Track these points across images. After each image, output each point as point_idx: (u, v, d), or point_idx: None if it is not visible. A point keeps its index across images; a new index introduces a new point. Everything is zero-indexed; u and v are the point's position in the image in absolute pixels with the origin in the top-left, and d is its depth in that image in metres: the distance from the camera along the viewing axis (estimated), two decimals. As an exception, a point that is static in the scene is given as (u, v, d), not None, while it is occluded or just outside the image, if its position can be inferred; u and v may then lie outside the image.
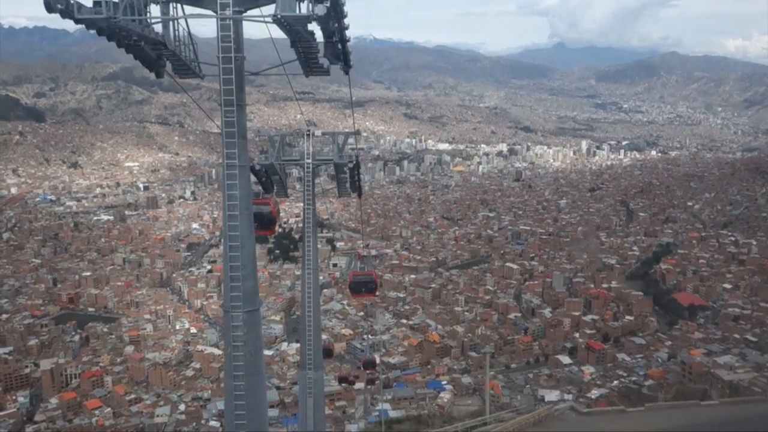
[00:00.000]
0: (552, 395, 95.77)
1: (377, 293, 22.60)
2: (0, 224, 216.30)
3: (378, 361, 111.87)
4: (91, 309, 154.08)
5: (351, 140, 20.02)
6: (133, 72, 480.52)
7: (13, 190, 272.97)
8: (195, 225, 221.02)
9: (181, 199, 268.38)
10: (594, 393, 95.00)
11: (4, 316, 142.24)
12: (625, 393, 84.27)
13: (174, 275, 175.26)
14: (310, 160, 19.94)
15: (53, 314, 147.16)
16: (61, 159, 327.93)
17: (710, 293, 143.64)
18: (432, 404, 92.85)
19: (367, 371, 45.05)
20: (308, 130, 19.97)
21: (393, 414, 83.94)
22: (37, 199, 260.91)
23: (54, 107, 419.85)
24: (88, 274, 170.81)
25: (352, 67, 12.78)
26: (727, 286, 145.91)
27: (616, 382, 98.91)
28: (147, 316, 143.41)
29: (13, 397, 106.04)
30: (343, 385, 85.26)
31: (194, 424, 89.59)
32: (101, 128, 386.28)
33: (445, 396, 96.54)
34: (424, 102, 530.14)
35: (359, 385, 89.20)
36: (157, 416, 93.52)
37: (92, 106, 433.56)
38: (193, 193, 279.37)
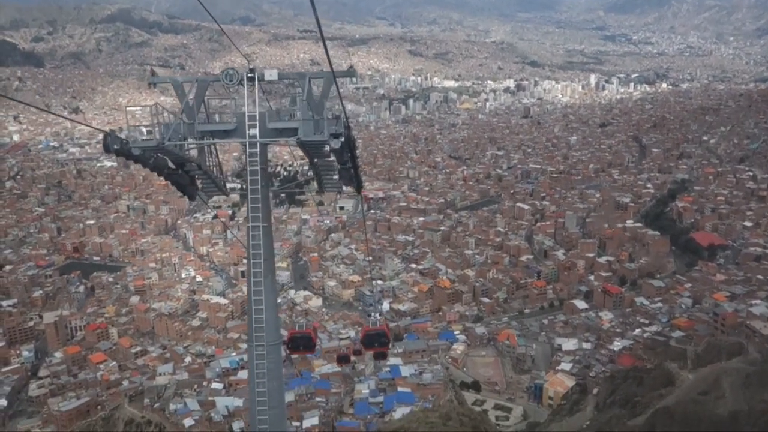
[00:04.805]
0: (569, 344, 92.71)
1: (389, 346, 19.34)
2: (2, 173, 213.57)
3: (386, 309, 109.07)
4: (96, 258, 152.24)
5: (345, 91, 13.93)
6: (131, 13, 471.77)
7: (15, 138, 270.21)
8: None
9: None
10: (616, 344, 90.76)
11: (8, 267, 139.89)
12: (651, 345, 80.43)
13: (179, 222, 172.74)
14: (255, 131, 11.18)
15: (58, 264, 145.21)
16: (62, 104, 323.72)
17: (730, 232, 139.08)
18: (445, 357, 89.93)
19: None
20: (251, 69, 11.58)
21: (404, 371, 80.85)
22: (40, 146, 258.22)
23: (53, 51, 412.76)
24: (92, 222, 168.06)
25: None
26: (747, 224, 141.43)
27: (638, 330, 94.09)
28: (152, 265, 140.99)
29: (18, 351, 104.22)
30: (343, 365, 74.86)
31: (195, 386, 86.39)
32: (101, 72, 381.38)
33: (459, 348, 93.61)
34: (429, 38, 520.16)
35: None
36: (159, 374, 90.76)
37: (92, 50, 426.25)
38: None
